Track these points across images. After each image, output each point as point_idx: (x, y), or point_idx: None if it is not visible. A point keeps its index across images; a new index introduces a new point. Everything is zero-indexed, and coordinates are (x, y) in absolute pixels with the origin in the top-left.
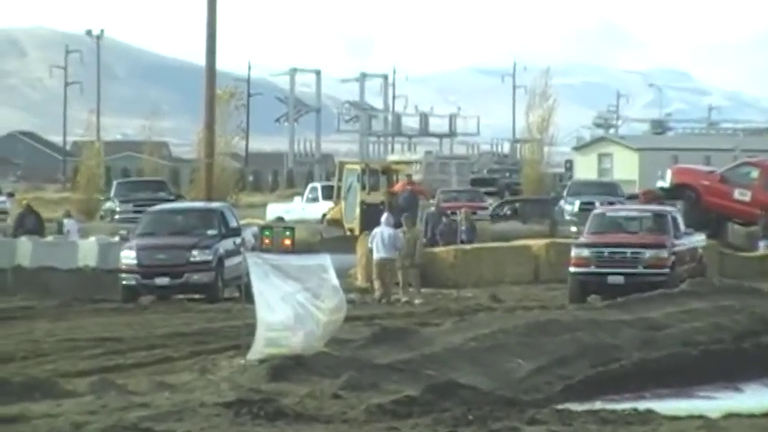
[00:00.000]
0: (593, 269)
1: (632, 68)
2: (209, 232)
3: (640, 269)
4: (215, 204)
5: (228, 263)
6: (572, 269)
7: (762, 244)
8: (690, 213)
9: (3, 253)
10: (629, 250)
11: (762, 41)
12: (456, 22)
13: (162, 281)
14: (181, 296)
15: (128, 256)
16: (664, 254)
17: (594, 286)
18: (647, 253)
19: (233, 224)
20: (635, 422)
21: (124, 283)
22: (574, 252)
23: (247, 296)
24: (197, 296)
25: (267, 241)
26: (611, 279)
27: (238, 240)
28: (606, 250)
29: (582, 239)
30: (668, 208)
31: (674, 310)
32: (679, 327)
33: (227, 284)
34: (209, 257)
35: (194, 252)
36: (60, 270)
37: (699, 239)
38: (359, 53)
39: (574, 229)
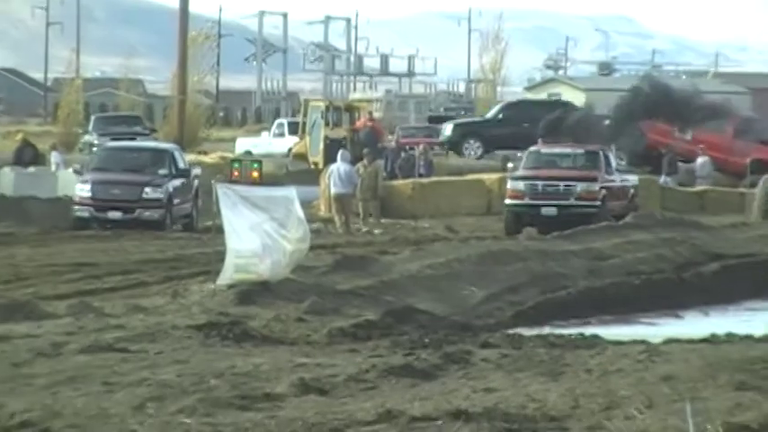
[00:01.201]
0: (527, 201)
1: (581, 14)
2: (161, 171)
3: (572, 201)
4: (166, 145)
5: (177, 201)
6: (507, 201)
7: (665, 180)
8: (634, 150)
9: (23, 180)
10: (561, 183)
11: None
12: None
13: (114, 215)
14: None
15: (83, 189)
16: (594, 187)
17: (528, 218)
18: (579, 186)
19: (182, 165)
20: (581, 346)
21: (77, 214)
22: (509, 185)
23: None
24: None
25: (236, 173)
26: (544, 211)
27: (186, 182)
28: (540, 183)
29: (517, 173)
30: (599, 147)
31: (618, 242)
32: (623, 257)
33: (174, 222)
34: (161, 195)
35: (147, 189)
36: (41, 199)
37: (631, 178)
38: None
39: (510, 164)
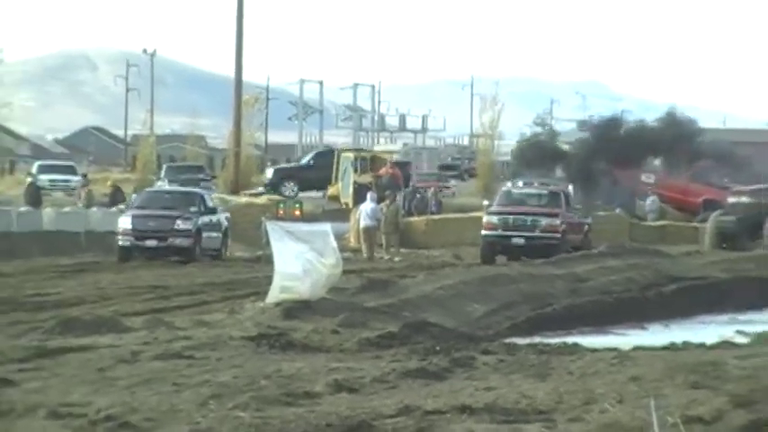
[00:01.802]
0: (499, 232)
1: (563, 80)
2: (191, 209)
3: (537, 233)
4: (196, 189)
5: (205, 234)
6: (483, 232)
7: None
8: (609, 190)
9: (79, 220)
10: (528, 218)
11: (663, 55)
12: (430, 45)
13: (151, 243)
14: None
15: (125, 222)
16: (556, 222)
17: (500, 246)
18: (543, 220)
19: (210, 205)
20: (564, 353)
21: (120, 244)
22: (485, 219)
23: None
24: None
25: (281, 212)
26: (514, 240)
27: (214, 219)
28: (511, 217)
29: (492, 209)
30: (561, 187)
31: (594, 267)
32: (598, 279)
33: (203, 252)
34: (190, 227)
35: (178, 222)
36: None
37: (586, 216)
38: (354, 67)
39: (486, 202)
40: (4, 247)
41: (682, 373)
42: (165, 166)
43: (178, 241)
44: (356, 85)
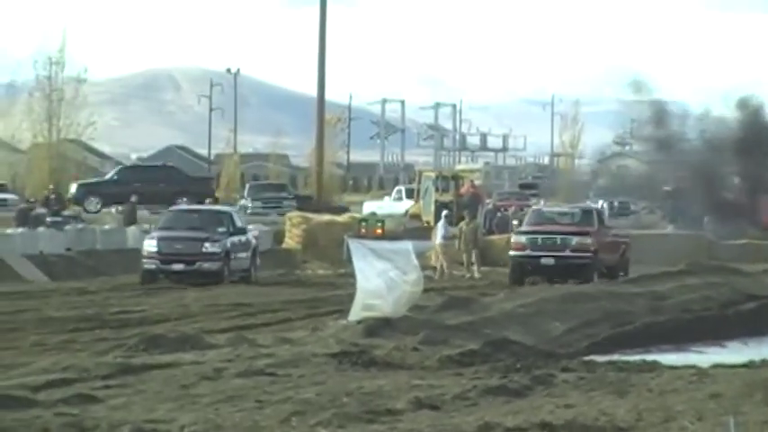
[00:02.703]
0: (529, 252)
1: (644, 99)
2: (220, 230)
3: (568, 253)
4: (225, 207)
5: (234, 256)
6: (512, 253)
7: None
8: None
9: None
10: (558, 237)
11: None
12: (510, 64)
13: (178, 267)
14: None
15: (150, 245)
16: (588, 240)
17: (530, 267)
18: (574, 239)
19: (239, 225)
20: (644, 370)
21: (145, 267)
22: (513, 239)
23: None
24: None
25: (363, 230)
26: (543, 261)
27: (243, 239)
28: (540, 237)
29: (521, 229)
30: (594, 205)
31: (674, 285)
32: (678, 298)
33: (232, 274)
34: (219, 250)
35: (206, 244)
36: None
37: (623, 234)
38: (435, 86)
39: (515, 222)
40: (88, 264)
41: (760, 391)
42: (248, 185)
43: (207, 265)
44: (437, 105)
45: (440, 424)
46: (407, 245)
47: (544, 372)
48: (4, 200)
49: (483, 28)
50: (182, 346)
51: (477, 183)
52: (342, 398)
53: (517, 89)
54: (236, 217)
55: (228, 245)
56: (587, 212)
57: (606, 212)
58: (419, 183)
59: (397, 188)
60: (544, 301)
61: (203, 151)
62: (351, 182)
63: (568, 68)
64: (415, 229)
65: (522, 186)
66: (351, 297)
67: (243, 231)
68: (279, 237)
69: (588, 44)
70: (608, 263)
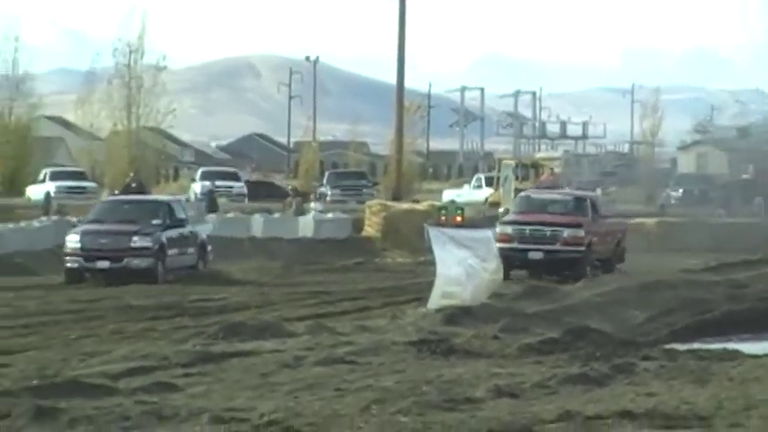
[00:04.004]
0: (515, 245)
1: (724, 88)
2: (154, 222)
3: (558, 246)
4: (164, 197)
5: (171, 251)
6: (498, 245)
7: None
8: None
9: (241, 227)
10: (548, 229)
11: None
12: (588, 53)
13: (103, 264)
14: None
15: (72, 240)
16: (580, 233)
17: (517, 261)
18: (565, 232)
19: (181, 216)
20: (725, 359)
21: (68, 265)
22: (499, 229)
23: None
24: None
25: (443, 218)
26: (531, 255)
27: (185, 232)
28: (528, 228)
29: (507, 218)
30: (589, 193)
31: (753, 273)
32: (757, 286)
33: (169, 271)
34: (150, 244)
35: (135, 238)
36: (284, 239)
37: (617, 223)
38: (515, 73)
39: (501, 209)
40: None
41: None
42: (327, 173)
43: (135, 262)
44: (517, 92)
45: (519, 412)
46: (488, 233)
47: (625, 360)
48: (84, 187)
49: (563, 17)
50: (261, 334)
51: (556, 171)
52: (421, 386)
53: (597, 77)
54: (176, 207)
55: (163, 239)
56: (580, 200)
57: (600, 199)
58: (499, 171)
59: (476, 176)
60: (623, 290)
61: (282, 139)
62: (430, 170)
63: (649, 57)
64: (494, 217)
65: (603, 175)
66: (430, 285)
67: (182, 223)
68: (358, 225)
69: (669, 33)
70: (602, 255)
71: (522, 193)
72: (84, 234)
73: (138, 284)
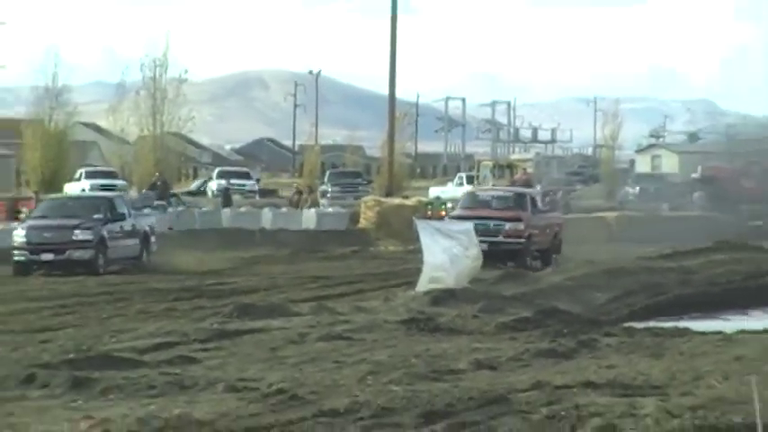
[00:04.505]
0: None
1: (676, 98)
2: (95, 216)
3: (500, 238)
4: (106, 194)
5: (112, 243)
6: None
7: None
8: (714, 195)
9: (253, 219)
10: (491, 222)
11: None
12: (558, 65)
13: (47, 256)
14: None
15: (18, 235)
16: (520, 226)
17: None
18: (507, 225)
19: (122, 210)
20: (676, 335)
21: (15, 258)
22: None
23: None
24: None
25: (429, 213)
26: None
27: (126, 225)
28: (473, 222)
29: (454, 213)
30: (528, 190)
31: (702, 261)
32: (705, 272)
33: (111, 262)
34: (90, 237)
35: (76, 232)
36: (290, 231)
37: (554, 217)
38: (492, 85)
39: (449, 205)
40: (188, 242)
41: None
42: (327, 172)
43: (77, 254)
44: (494, 102)
45: (496, 382)
46: (469, 225)
47: (588, 337)
48: (114, 185)
49: (535, 33)
50: (270, 314)
51: (528, 170)
52: (410, 359)
53: (565, 88)
54: (117, 202)
55: (104, 232)
56: (521, 196)
57: (540, 196)
58: (478, 170)
59: (458, 175)
60: (587, 275)
61: (289, 143)
62: (418, 170)
63: (611, 69)
64: None
65: (569, 174)
66: (418, 271)
67: (123, 217)
68: (355, 218)
69: (629, 46)
70: (541, 246)
71: (468, 191)
72: (29, 229)
73: (81, 275)
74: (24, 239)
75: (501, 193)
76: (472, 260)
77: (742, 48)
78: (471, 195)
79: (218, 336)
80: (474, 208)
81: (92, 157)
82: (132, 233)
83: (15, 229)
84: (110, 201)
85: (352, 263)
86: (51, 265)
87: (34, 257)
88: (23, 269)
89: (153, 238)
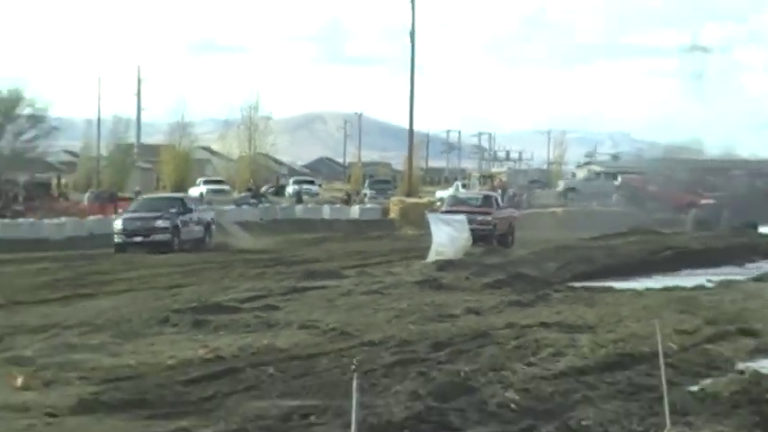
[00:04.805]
0: None
1: (605, 131)
2: (171, 210)
3: (474, 226)
4: (179, 194)
5: (184, 230)
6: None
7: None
8: (629, 197)
9: (316, 212)
10: (468, 216)
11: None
12: (525, 106)
13: (137, 239)
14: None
15: (117, 224)
16: (488, 218)
17: None
18: (479, 217)
19: (190, 206)
20: (603, 292)
21: (115, 240)
22: None
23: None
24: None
25: (437, 208)
26: None
27: (194, 216)
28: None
29: (443, 209)
30: (493, 193)
31: (621, 241)
32: (624, 249)
33: (184, 243)
34: (167, 225)
35: (158, 221)
36: (342, 220)
37: (511, 212)
38: (479, 120)
39: (438, 203)
40: (271, 228)
41: (674, 304)
42: (367, 180)
43: (159, 237)
44: (480, 133)
45: (481, 323)
46: (462, 217)
47: (544, 292)
48: (223, 189)
49: (507, 84)
50: (328, 277)
51: (503, 179)
52: (423, 307)
53: (528, 123)
54: (186, 201)
55: (178, 221)
56: (488, 197)
57: (500, 197)
58: (469, 179)
59: (456, 182)
60: (543, 251)
61: (340, 160)
62: (428, 179)
63: (560, 107)
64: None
65: (531, 182)
66: (428, 247)
67: (191, 211)
68: (385, 212)
69: (570, 95)
70: (501, 232)
71: (450, 193)
72: (124, 220)
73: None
74: (122, 227)
75: (474, 195)
76: (465, 240)
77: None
78: (454, 197)
79: (293, 291)
80: (456, 205)
81: (207, 170)
82: (198, 222)
83: (114, 220)
84: (182, 199)
85: (384, 242)
86: (140, 245)
87: (128, 240)
88: (122, 248)
89: (213, 226)
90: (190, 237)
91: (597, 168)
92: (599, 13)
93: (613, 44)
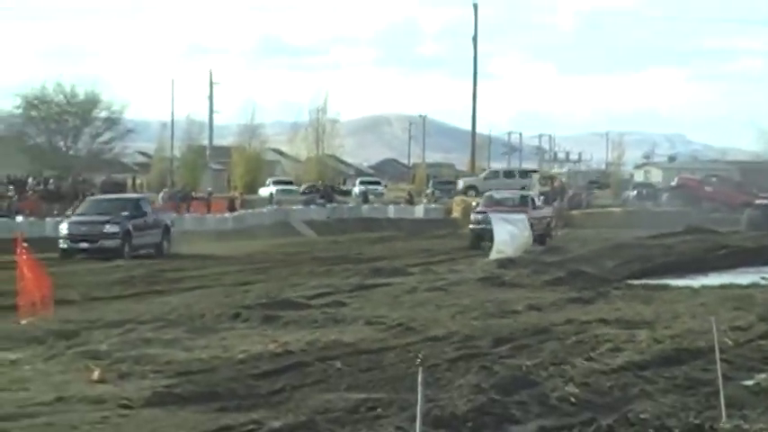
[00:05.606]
0: (482, 226)
1: (663, 132)
2: (123, 213)
3: None
4: (133, 195)
5: (136, 234)
6: (470, 226)
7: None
8: (685, 197)
9: (382, 211)
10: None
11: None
12: (584, 109)
13: (84, 245)
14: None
15: (62, 228)
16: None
17: (484, 236)
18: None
19: (145, 210)
20: (660, 289)
21: (60, 246)
22: (472, 217)
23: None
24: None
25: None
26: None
27: (149, 220)
28: (490, 215)
29: (477, 209)
30: (531, 192)
31: (676, 240)
32: (680, 247)
33: (136, 249)
34: (117, 230)
35: (107, 226)
36: (406, 219)
37: (547, 212)
38: (540, 123)
39: (475, 203)
40: (339, 227)
41: (729, 302)
42: (431, 181)
43: (107, 243)
44: (540, 135)
45: (543, 319)
46: (523, 216)
47: (603, 289)
48: (291, 190)
49: (565, 90)
50: (393, 274)
51: (563, 180)
52: (485, 304)
53: (586, 125)
54: (142, 203)
55: (129, 226)
56: (524, 198)
57: (538, 198)
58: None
59: (534, 174)
60: (602, 249)
61: (405, 161)
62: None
63: (617, 112)
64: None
65: (590, 183)
66: (490, 246)
67: (145, 214)
68: (448, 211)
69: (628, 98)
70: (538, 231)
71: (487, 194)
72: (70, 224)
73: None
74: (66, 231)
75: (510, 195)
76: (526, 238)
77: (707, 95)
78: (489, 197)
79: (359, 288)
80: (491, 205)
81: (276, 170)
82: (153, 226)
83: (60, 223)
84: (136, 201)
85: (447, 240)
86: (86, 251)
87: (74, 245)
88: (67, 255)
89: (172, 230)
90: (143, 242)
91: (654, 169)
92: (654, 19)
93: (668, 48)
